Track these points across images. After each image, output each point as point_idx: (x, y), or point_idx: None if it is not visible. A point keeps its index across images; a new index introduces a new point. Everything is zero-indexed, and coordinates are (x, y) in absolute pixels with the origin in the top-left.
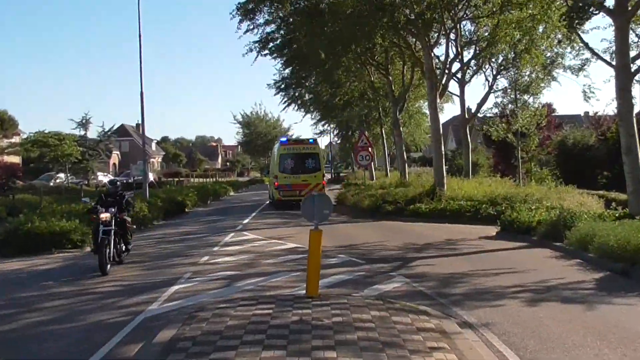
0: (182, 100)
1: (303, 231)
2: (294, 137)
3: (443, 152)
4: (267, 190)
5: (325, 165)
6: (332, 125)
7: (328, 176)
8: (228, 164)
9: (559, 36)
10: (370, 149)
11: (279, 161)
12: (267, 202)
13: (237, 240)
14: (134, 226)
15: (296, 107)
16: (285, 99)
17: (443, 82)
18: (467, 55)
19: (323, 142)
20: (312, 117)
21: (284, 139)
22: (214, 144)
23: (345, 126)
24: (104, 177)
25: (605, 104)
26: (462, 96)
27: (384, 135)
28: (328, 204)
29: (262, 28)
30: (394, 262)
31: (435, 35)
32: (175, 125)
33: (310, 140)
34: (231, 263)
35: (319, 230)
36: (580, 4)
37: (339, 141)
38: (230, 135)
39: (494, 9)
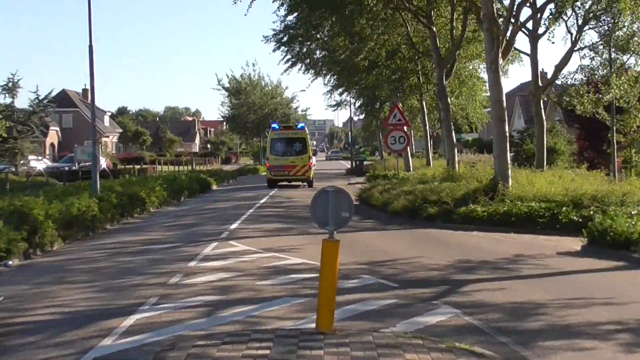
0: (146, 59)
1: (313, 241)
2: (298, 110)
3: (507, 134)
4: (265, 184)
5: (334, 151)
6: (352, 95)
7: (347, 165)
8: (209, 146)
9: None
10: (405, 128)
11: (270, 145)
12: (265, 197)
13: (221, 253)
14: None
15: (303, 68)
16: (289, 57)
17: (507, 35)
18: None
19: (340, 117)
20: (326, 82)
21: (275, 125)
22: (190, 118)
23: (371, 96)
24: (38, 163)
25: None
26: (533, 55)
27: (424, 109)
28: (348, 203)
29: None
30: (438, 286)
31: None
32: (137, 94)
33: (299, 127)
34: (213, 284)
35: (335, 240)
36: None
37: (361, 116)
38: (212, 108)
39: None
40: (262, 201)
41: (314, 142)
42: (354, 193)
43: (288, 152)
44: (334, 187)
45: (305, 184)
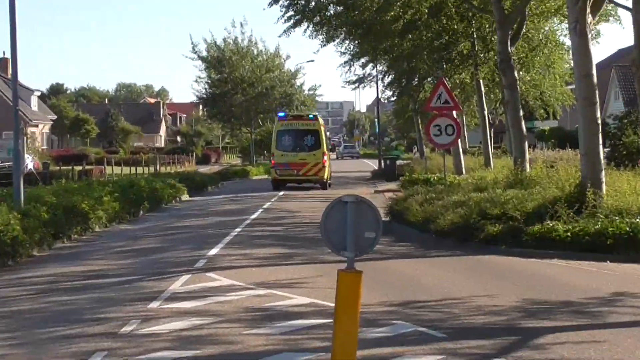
0: (89, 18)
1: (324, 272)
2: (304, 88)
3: (599, 121)
4: (259, 192)
5: (347, 145)
6: (379, 68)
7: (373, 166)
8: (180, 139)
9: None
10: (455, 113)
11: (276, 137)
12: (259, 211)
13: (195, 290)
14: None
15: (311, 29)
16: (291, 13)
17: None
18: None
19: (363, 98)
20: (343, 49)
21: (281, 113)
22: (152, 100)
23: (407, 70)
24: None
25: None
26: (637, 10)
27: (481, 87)
28: (374, 219)
29: None
30: (502, 337)
31: None
32: (77, 66)
33: (311, 116)
34: (182, 335)
35: (355, 271)
36: None
37: (392, 98)
38: (183, 85)
39: None
40: (254, 216)
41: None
42: (382, 205)
43: (297, 147)
44: (354, 196)
45: (318, 186)
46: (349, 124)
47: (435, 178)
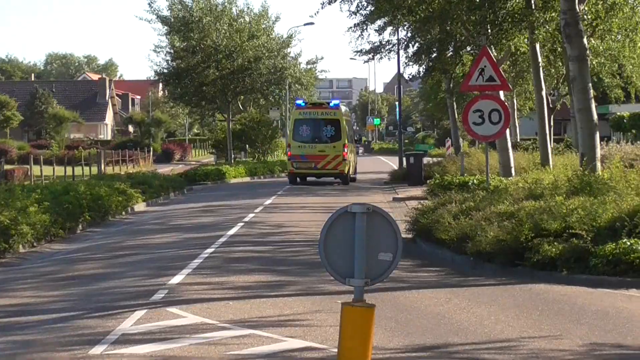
0: None
1: (324, 307)
2: (300, 61)
3: None
4: (242, 201)
5: (359, 140)
6: (403, 34)
7: (392, 165)
8: (133, 129)
9: None
10: (502, 94)
11: (293, 127)
12: (239, 225)
13: (152, 331)
14: None
15: None
16: None
17: None
18: None
19: (379, 75)
20: (352, 8)
21: (300, 101)
22: (96, 76)
23: (438, 35)
24: None
25: None
26: None
27: (538, 59)
28: (391, 236)
29: None
30: None
31: None
32: None
33: (332, 105)
34: None
35: (366, 305)
36: None
37: (419, 74)
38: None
39: None
40: (232, 231)
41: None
42: (403, 217)
43: (316, 138)
44: (365, 205)
45: (338, 181)
46: (360, 108)
47: (475, 181)
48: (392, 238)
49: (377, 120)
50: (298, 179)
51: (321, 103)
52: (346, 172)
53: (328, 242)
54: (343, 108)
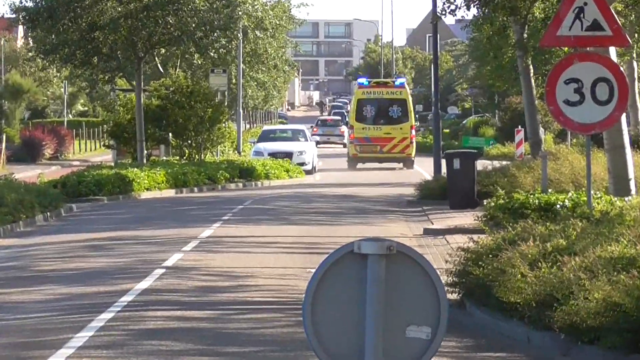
0: None
1: None
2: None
3: None
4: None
5: (321, 120)
6: None
7: (421, 172)
8: None
9: None
10: (615, 51)
11: (356, 107)
12: (151, 279)
13: None
14: None
15: None
16: None
17: None
18: None
19: (399, 16)
20: None
21: (363, 80)
22: None
23: None
24: None
25: None
26: None
27: None
28: (427, 297)
29: None
30: None
31: None
32: None
33: (398, 83)
34: None
35: None
36: None
37: (467, 15)
38: None
39: None
40: (145, 284)
41: (327, 99)
42: (442, 263)
43: (382, 119)
44: (384, 241)
45: (402, 166)
46: (366, 72)
47: (567, 203)
48: (432, 300)
49: None
50: (359, 163)
51: (386, 82)
52: (412, 156)
53: (319, 306)
54: (408, 87)
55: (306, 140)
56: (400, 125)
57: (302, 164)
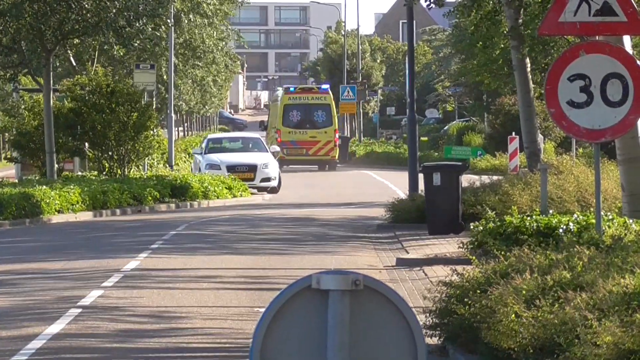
0: None
1: None
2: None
3: None
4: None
5: (238, 120)
6: None
7: (392, 188)
8: None
9: None
10: (628, 40)
11: (282, 113)
12: (61, 324)
13: None
14: None
15: None
16: None
17: None
18: None
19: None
20: None
21: (289, 86)
22: None
23: None
24: None
25: None
26: None
27: None
28: (399, 341)
29: None
30: None
31: None
32: None
33: (322, 88)
34: None
35: None
36: None
37: (451, 16)
38: None
39: None
40: (54, 329)
41: (259, 94)
42: (420, 301)
43: (307, 124)
44: (348, 274)
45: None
46: (325, 67)
47: (572, 226)
48: (407, 346)
49: (353, 90)
50: (285, 165)
51: (311, 88)
52: (336, 158)
53: (269, 352)
54: (331, 93)
55: (265, 151)
56: (324, 129)
57: (267, 180)
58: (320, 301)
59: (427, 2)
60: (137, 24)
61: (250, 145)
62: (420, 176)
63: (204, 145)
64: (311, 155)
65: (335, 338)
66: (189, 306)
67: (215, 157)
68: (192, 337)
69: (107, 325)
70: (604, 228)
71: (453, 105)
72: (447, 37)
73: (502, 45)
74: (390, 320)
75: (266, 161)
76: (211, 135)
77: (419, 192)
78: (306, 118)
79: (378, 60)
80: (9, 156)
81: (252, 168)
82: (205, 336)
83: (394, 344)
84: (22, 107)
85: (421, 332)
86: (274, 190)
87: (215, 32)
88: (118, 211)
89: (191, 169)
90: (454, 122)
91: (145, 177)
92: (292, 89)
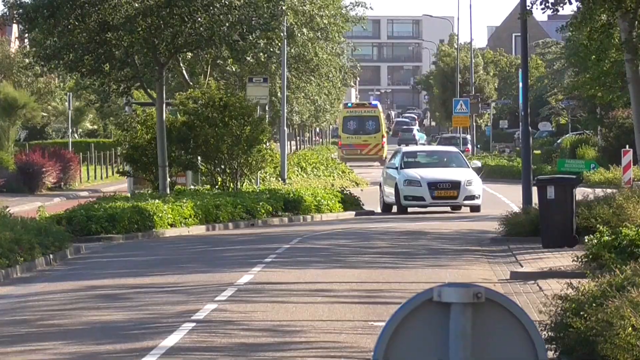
0: None
1: None
2: None
3: None
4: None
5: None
6: None
7: (505, 202)
8: None
9: None
10: None
11: (342, 123)
12: (182, 332)
13: None
14: None
15: None
16: None
17: None
18: None
19: (483, 11)
20: None
21: (347, 102)
22: None
23: None
24: None
25: None
26: None
27: None
28: (520, 354)
29: None
30: None
31: None
32: None
33: (372, 104)
34: None
35: None
36: None
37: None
38: None
39: None
40: (171, 341)
41: (393, 114)
42: (535, 314)
43: (361, 131)
44: (470, 287)
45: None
46: (437, 80)
47: None
48: (528, 359)
49: (466, 103)
50: (346, 162)
51: (364, 103)
52: (384, 156)
53: None
54: (380, 107)
55: (466, 166)
56: (374, 135)
57: (471, 198)
58: (441, 314)
59: (542, 7)
60: (250, 37)
61: (449, 159)
62: (534, 189)
63: (397, 159)
64: (364, 154)
65: (457, 351)
66: (303, 320)
67: (414, 173)
68: (307, 351)
69: (221, 339)
70: None
71: (566, 119)
72: (561, 50)
73: (614, 58)
74: (513, 334)
75: (469, 178)
76: (405, 149)
77: (533, 205)
78: (360, 127)
79: (491, 74)
80: (121, 170)
81: (456, 185)
82: (319, 349)
83: (515, 358)
84: (135, 120)
85: (543, 345)
86: (476, 209)
87: (328, 46)
88: (231, 225)
89: (380, 184)
90: (567, 135)
91: (258, 190)
92: (349, 104)
